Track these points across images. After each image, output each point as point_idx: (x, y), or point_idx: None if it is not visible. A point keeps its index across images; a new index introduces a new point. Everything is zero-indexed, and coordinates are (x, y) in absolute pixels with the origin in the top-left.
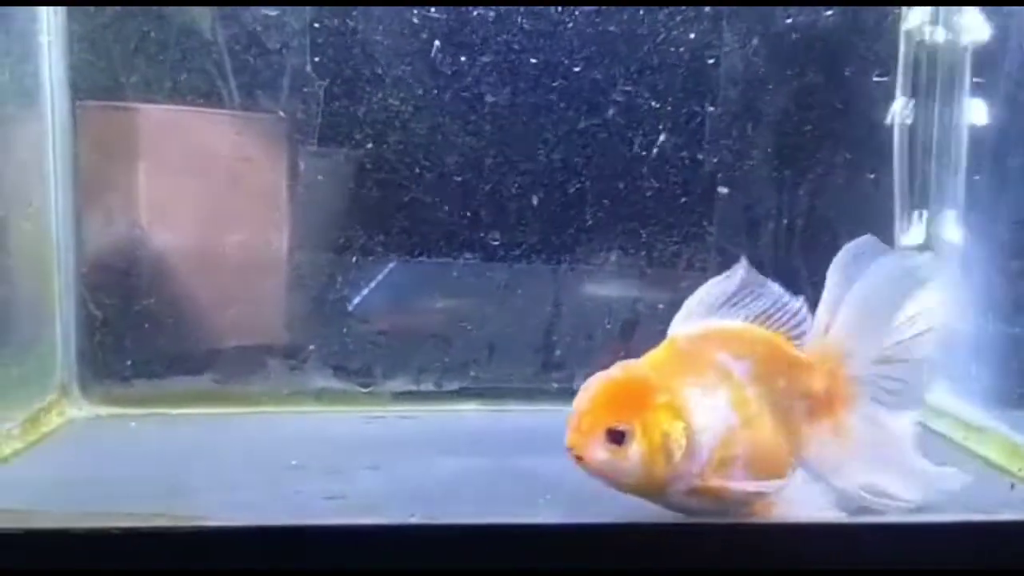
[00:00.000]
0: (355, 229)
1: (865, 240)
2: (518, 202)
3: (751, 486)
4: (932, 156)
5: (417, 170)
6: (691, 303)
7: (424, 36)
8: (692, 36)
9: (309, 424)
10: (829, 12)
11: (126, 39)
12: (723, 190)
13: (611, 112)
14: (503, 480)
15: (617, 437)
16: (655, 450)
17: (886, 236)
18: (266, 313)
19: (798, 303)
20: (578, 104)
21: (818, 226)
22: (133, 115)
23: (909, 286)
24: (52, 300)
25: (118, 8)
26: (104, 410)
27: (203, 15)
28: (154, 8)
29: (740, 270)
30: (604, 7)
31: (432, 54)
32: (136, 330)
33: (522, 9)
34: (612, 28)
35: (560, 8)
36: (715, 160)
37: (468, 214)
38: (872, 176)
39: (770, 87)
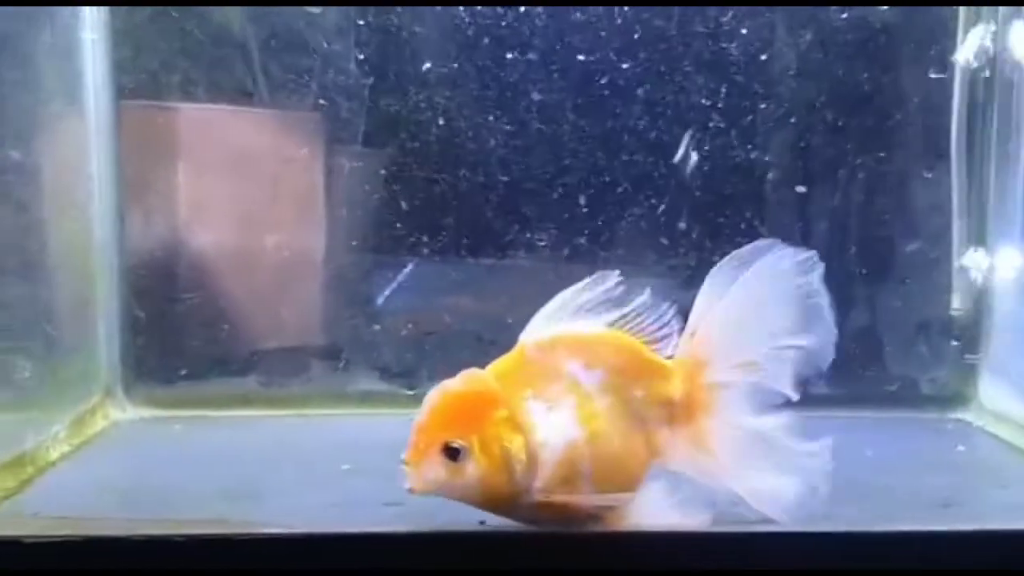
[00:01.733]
0: (400, 228)
1: (760, 243)
2: (565, 202)
3: (596, 500)
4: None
5: (463, 169)
6: (548, 309)
7: (470, 33)
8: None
9: (355, 427)
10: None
11: (169, 37)
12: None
13: (654, 110)
14: None
15: (453, 454)
16: (494, 466)
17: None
18: (310, 314)
19: (665, 307)
20: (625, 102)
21: (873, 227)
22: (176, 114)
23: (786, 289)
24: (95, 301)
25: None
26: (148, 412)
27: (243, 13)
28: (197, 7)
29: (603, 275)
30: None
31: (474, 52)
32: (179, 331)
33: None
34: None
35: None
36: (766, 159)
37: (514, 214)
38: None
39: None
